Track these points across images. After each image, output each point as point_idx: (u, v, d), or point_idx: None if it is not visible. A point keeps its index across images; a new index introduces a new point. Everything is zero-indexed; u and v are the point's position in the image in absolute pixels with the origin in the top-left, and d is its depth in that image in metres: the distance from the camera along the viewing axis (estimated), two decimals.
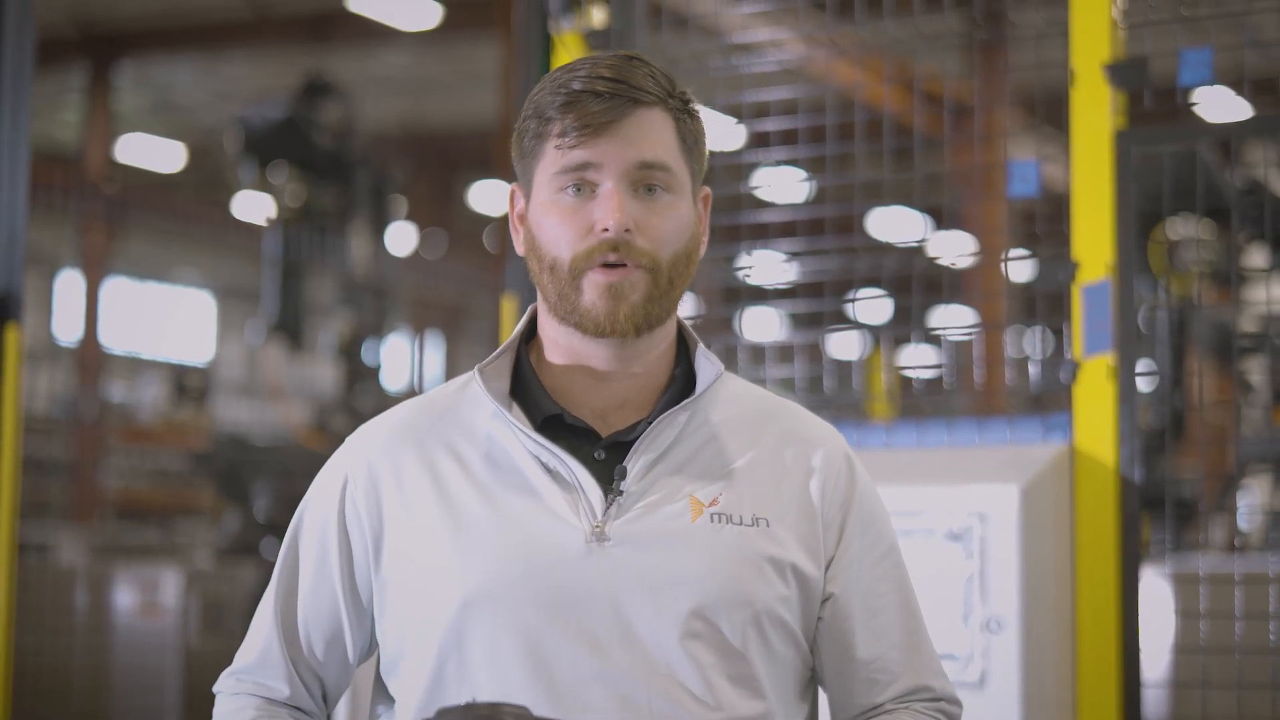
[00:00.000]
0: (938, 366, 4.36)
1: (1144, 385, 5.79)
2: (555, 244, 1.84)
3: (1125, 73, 3.21)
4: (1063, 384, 3.24)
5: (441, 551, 1.84)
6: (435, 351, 22.69)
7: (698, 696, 1.79)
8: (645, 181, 1.84)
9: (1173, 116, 3.51)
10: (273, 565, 2.02)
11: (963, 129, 3.89)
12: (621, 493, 1.84)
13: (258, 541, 9.31)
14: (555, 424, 1.89)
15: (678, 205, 1.87)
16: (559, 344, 1.91)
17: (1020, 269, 6.22)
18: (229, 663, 2.01)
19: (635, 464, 1.85)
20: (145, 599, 8.23)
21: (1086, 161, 3.22)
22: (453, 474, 1.88)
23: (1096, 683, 3.13)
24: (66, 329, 16.76)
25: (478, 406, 1.92)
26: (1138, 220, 3.23)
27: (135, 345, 20.84)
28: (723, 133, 4.12)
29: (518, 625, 1.79)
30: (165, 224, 17.25)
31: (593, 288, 1.83)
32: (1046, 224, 3.73)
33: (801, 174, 4.83)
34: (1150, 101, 3.23)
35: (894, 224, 13.02)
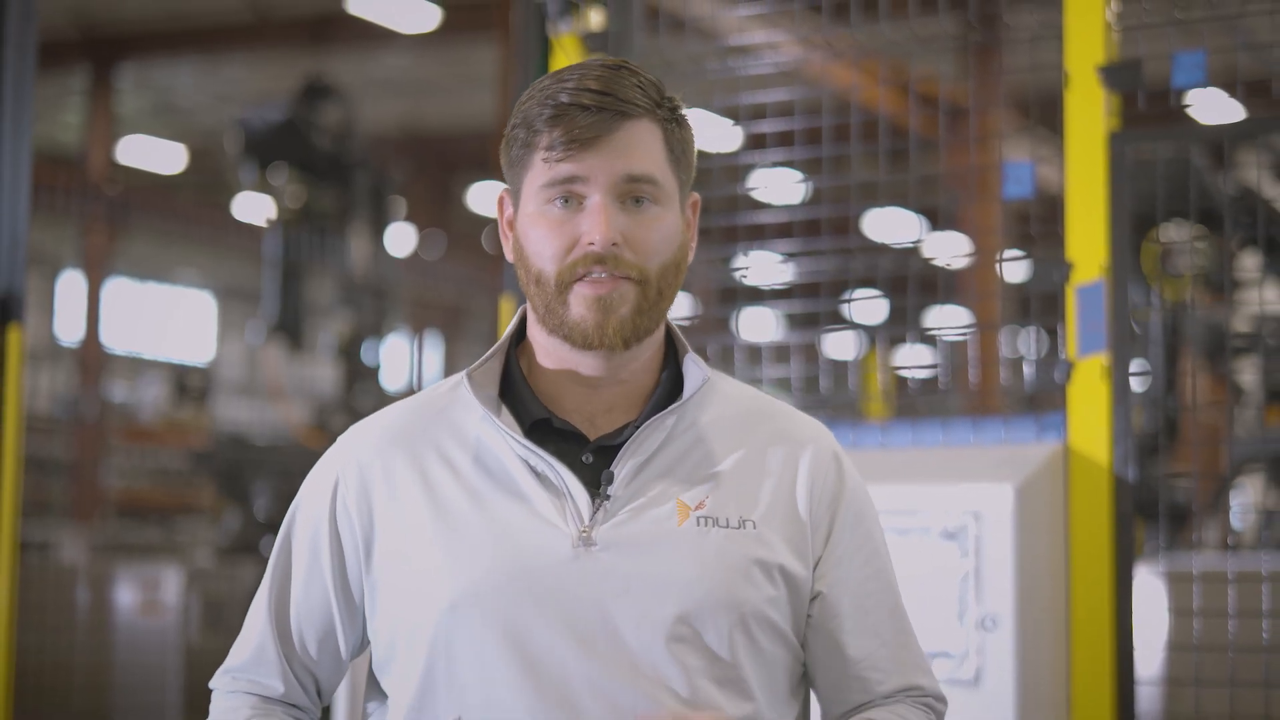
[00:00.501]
0: (933, 366, 4.37)
1: (1138, 386, 5.80)
2: (541, 256, 1.84)
3: (1119, 75, 3.22)
4: (1057, 384, 3.24)
5: (431, 554, 1.84)
6: (434, 352, 22.68)
7: (684, 699, 1.79)
8: (633, 194, 1.83)
9: (1166, 119, 3.51)
10: None
11: (958, 131, 3.90)
12: (609, 497, 1.83)
13: (258, 540, 9.33)
14: (544, 427, 1.89)
15: (665, 216, 1.86)
16: (548, 350, 1.91)
17: (1015, 270, 6.24)
18: None
19: (622, 468, 1.85)
20: (146, 597, 8.24)
21: (1080, 163, 3.23)
22: (443, 477, 1.88)
23: (1090, 680, 3.13)
24: (68, 329, 16.78)
25: (468, 409, 1.91)
26: (1131, 224, 3.24)
27: (136, 345, 20.87)
28: (719, 134, 4.14)
29: (505, 628, 1.79)
30: (166, 225, 17.25)
31: (580, 301, 1.82)
32: (1041, 225, 3.74)
33: (798, 175, 4.86)
34: (1144, 104, 3.23)
35: (890, 225, 12.99)
